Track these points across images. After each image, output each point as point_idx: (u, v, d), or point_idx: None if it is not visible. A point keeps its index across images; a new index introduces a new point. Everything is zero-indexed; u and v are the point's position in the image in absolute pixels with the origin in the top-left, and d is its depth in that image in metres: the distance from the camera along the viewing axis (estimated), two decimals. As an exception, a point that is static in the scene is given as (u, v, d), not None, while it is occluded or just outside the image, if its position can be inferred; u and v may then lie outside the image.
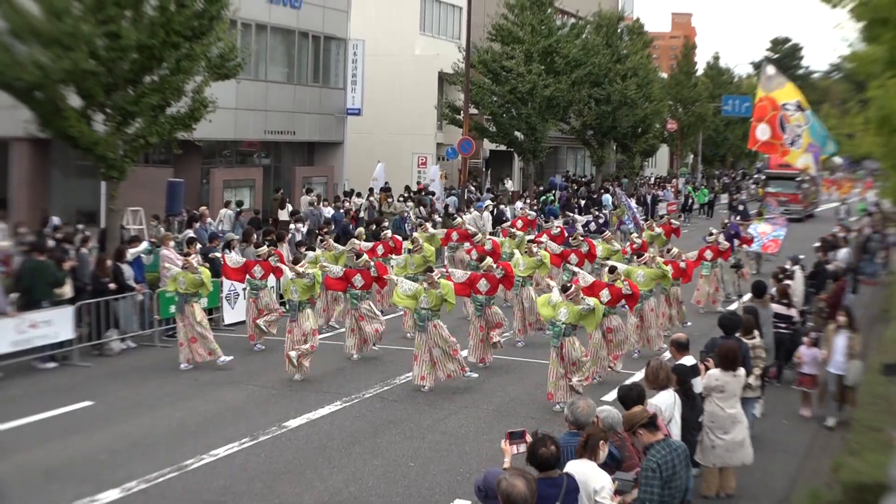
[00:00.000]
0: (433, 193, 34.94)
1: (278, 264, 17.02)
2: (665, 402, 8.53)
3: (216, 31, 19.47)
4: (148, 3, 18.30)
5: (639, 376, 13.75)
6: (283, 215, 27.48)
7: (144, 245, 18.34)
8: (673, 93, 59.33)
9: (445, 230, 23.26)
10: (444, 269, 16.67)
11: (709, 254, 21.24)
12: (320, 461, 11.21)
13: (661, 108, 50.94)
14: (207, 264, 16.93)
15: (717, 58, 71.15)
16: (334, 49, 35.78)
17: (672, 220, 26.89)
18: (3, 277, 15.88)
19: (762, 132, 19.75)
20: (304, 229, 24.22)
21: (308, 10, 33.65)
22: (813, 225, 42.75)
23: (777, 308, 14.47)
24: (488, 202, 33.41)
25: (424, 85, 41.21)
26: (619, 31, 47.90)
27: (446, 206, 33.79)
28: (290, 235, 22.10)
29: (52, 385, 14.51)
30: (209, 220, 23.30)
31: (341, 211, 28.16)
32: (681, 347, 10.26)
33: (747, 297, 18.53)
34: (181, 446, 11.59)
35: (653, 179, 56.03)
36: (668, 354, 11.44)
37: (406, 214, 28.09)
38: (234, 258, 17.76)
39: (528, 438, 6.54)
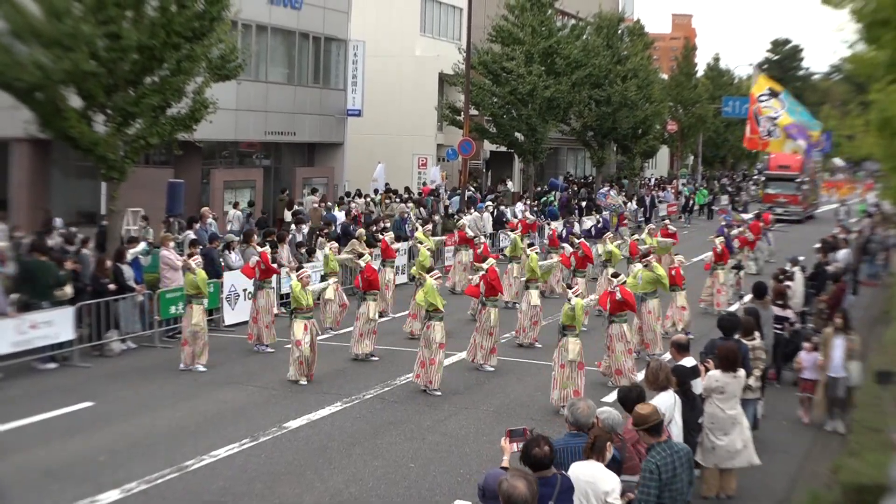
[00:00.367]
0: (437, 194, 34.95)
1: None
2: (665, 404, 8.53)
3: (217, 32, 19.47)
4: (149, 4, 18.29)
5: (639, 377, 13.78)
6: (290, 216, 27.55)
7: (142, 246, 18.35)
8: (673, 94, 59.33)
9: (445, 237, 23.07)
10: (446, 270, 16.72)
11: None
12: (321, 462, 11.22)
13: (662, 109, 50.93)
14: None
15: (717, 59, 71.23)
16: (335, 50, 35.79)
17: (670, 226, 26.66)
18: (3, 278, 15.87)
19: (750, 130, 19.83)
20: (306, 230, 24.22)
21: (308, 12, 33.65)
22: (813, 226, 42.79)
23: (774, 309, 14.50)
24: (489, 203, 33.44)
25: (425, 86, 41.22)
26: (619, 32, 47.87)
27: (446, 207, 33.79)
28: (290, 236, 22.09)
29: (53, 385, 14.51)
30: (210, 220, 23.28)
31: (342, 212, 28.19)
32: (681, 349, 10.27)
33: (748, 297, 18.55)
34: (181, 447, 11.59)
35: (652, 181, 56.01)
36: (668, 355, 11.45)
37: (406, 215, 28.09)
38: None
39: (529, 437, 6.56)
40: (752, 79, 18.48)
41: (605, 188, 42.40)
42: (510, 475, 5.69)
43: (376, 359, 16.33)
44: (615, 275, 15.54)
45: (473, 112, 37.48)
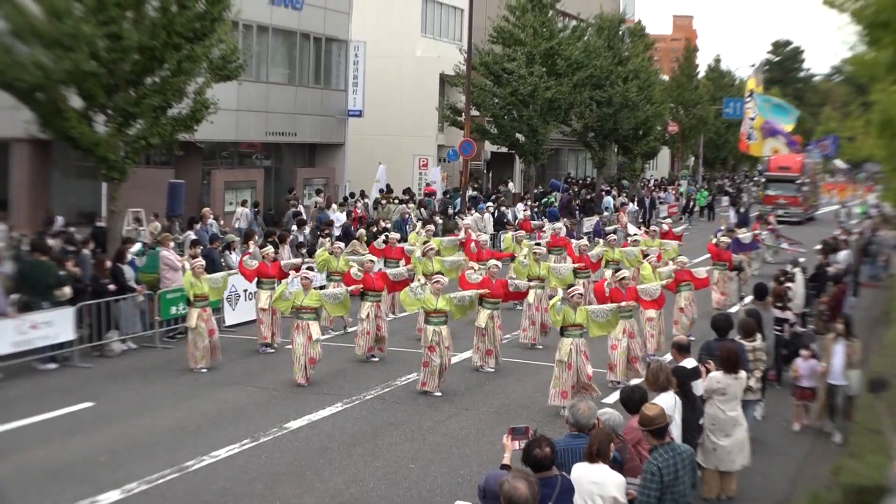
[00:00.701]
0: (446, 193, 34.93)
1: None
2: (665, 405, 8.51)
3: (217, 32, 19.48)
4: (149, 5, 18.30)
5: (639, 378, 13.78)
6: (301, 212, 27.64)
7: (137, 246, 18.34)
8: (674, 95, 59.34)
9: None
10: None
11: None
12: (321, 462, 11.22)
13: (663, 110, 50.92)
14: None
15: (718, 60, 71.27)
16: (335, 50, 35.79)
17: (673, 229, 26.30)
18: (4, 278, 15.87)
19: (741, 133, 19.81)
20: (307, 231, 24.22)
21: (309, 12, 33.66)
22: (814, 228, 42.79)
23: (774, 311, 14.49)
24: (489, 204, 33.42)
25: (426, 87, 41.21)
26: (620, 33, 47.86)
27: (446, 208, 33.78)
28: (291, 237, 22.09)
29: (53, 386, 14.52)
30: (210, 221, 23.29)
31: (343, 212, 28.21)
32: (682, 350, 10.27)
33: (748, 299, 18.53)
34: (182, 447, 11.59)
35: (652, 182, 56.03)
36: (668, 356, 11.45)
37: (408, 216, 28.11)
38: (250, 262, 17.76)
39: (531, 435, 6.56)
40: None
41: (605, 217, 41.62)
42: (512, 476, 5.70)
43: (376, 359, 16.34)
44: (622, 277, 15.47)
45: (474, 113, 37.48)
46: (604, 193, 43.15)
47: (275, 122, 32.53)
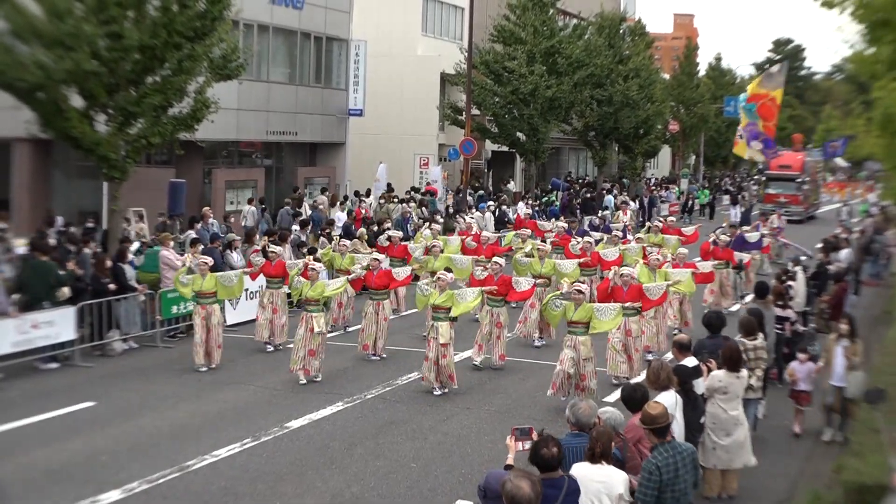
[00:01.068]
0: (458, 193, 34.92)
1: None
2: (666, 403, 8.51)
3: (218, 31, 19.48)
4: (150, 4, 18.30)
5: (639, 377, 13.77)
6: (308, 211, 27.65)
7: (134, 246, 18.34)
8: (675, 94, 59.31)
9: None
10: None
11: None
12: (322, 462, 11.22)
13: (663, 109, 50.91)
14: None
15: (718, 59, 71.30)
16: (336, 50, 35.78)
17: (684, 229, 26.13)
18: (3, 279, 15.87)
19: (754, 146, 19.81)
20: (308, 231, 24.20)
21: (310, 11, 33.65)
22: (815, 226, 42.77)
23: (775, 309, 14.48)
24: (490, 203, 33.39)
25: (426, 86, 41.19)
26: (621, 32, 47.86)
27: (447, 208, 33.78)
28: (292, 236, 22.08)
29: (54, 386, 14.52)
30: (211, 220, 23.29)
31: (345, 212, 28.20)
32: (682, 348, 10.27)
33: (749, 297, 18.53)
34: (183, 447, 11.59)
35: (651, 181, 56.00)
36: (669, 355, 11.45)
37: (409, 215, 28.11)
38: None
39: (535, 436, 6.55)
40: (770, 78, 18.51)
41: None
42: (513, 475, 5.69)
43: (376, 358, 16.34)
44: (621, 271, 15.47)
45: (475, 112, 37.48)
46: (605, 192, 43.11)
47: (275, 122, 32.52)
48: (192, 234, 20.99)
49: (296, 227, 23.56)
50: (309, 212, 27.33)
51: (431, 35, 43.34)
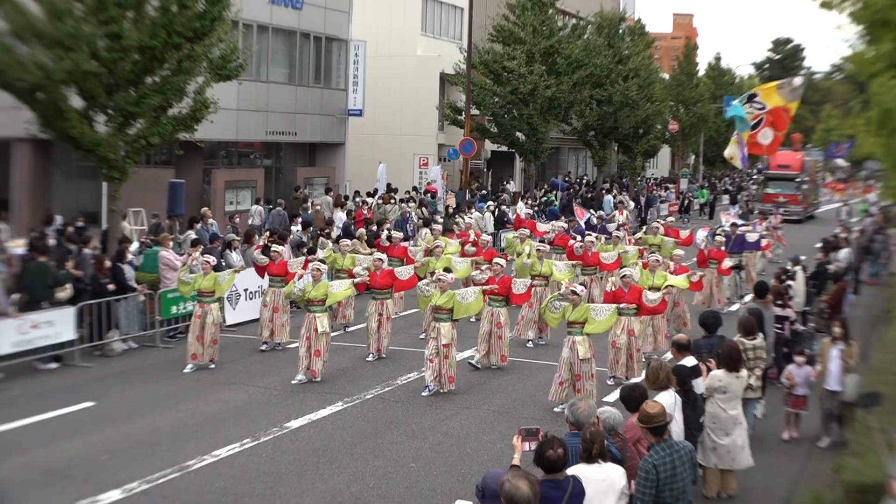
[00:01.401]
0: (473, 195, 34.96)
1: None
2: (665, 403, 8.52)
3: (218, 31, 19.49)
4: (149, 4, 18.31)
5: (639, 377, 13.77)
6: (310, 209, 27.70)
7: (134, 246, 18.34)
8: (674, 93, 59.26)
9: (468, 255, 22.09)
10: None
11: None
12: (322, 462, 11.22)
13: (663, 108, 50.88)
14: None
15: (718, 58, 71.17)
16: (336, 50, 35.80)
17: (683, 231, 26.10)
18: (3, 278, 15.87)
19: (763, 136, 19.75)
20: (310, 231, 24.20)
21: (309, 11, 33.67)
22: (814, 226, 42.78)
23: (774, 309, 14.48)
24: (490, 203, 33.38)
25: (426, 86, 41.22)
26: (620, 31, 47.85)
27: (447, 208, 33.78)
28: (291, 236, 22.08)
29: (54, 386, 14.52)
30: (210, 220, 23.29)
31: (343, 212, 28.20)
32: (681, 348, 10.27)
33: (749, 297, 18.53)
34: (183, 447, 11.60)
35: (650, 181, 55.98)
36: (668, 355, 11.45)
37: (409, 215, 28.11)
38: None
39: (542, 437, 6.54)
40: (793, 92, 18.51)
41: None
42: (512, 475, 5.69)
43: (375, 358, 16.34)
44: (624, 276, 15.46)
45: (474, 112, 37.48)
46: (604, 192, 43.11)
47: (275, 122, 32.54)
48: (191, 234, 20.99)
49: (296, 228, 23.56)
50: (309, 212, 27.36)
51: (431, 35, 43.35)
